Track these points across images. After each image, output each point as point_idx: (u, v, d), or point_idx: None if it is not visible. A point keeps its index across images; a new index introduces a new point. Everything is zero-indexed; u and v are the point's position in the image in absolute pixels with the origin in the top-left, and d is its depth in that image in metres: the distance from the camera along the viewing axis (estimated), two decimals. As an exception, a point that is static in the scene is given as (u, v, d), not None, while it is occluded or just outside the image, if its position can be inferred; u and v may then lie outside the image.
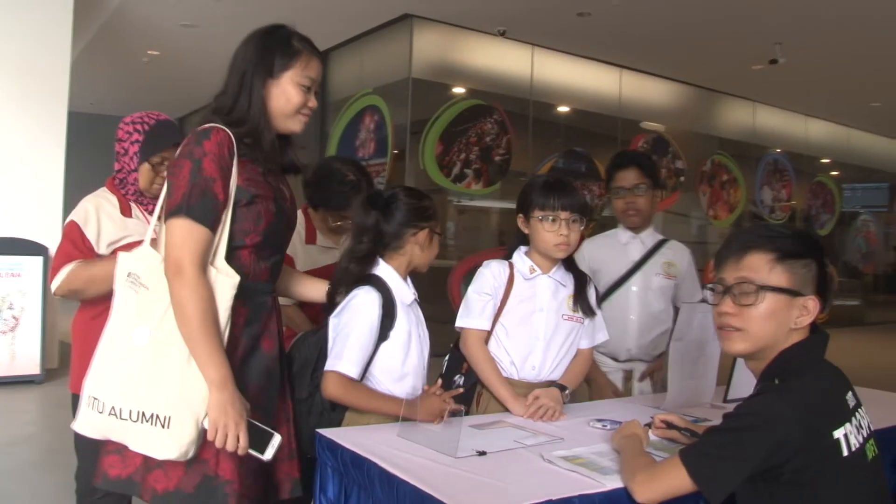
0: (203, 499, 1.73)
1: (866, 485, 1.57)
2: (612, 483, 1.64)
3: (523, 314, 2.42)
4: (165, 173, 2.40)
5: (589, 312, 2.45)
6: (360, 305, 2.09)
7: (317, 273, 2.86)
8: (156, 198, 2.43)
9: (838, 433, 1.53)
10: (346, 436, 1.90)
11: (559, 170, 9.29)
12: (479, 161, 8.58)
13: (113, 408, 1.69)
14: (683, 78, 10.13)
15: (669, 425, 2.01)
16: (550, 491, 1.55)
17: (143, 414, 1.67)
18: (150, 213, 2.41)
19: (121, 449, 1.77)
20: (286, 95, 1.91)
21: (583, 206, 2.39)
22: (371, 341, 2.09)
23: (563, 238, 2.34)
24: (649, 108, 10.27)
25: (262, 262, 1.90)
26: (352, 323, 2.07)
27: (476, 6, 7.69)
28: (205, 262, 1.73)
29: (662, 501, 1.59)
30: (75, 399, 2.43)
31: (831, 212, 12.53)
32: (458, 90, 8.62)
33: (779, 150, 11.73)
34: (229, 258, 1.79)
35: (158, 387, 1.68)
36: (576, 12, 7.61)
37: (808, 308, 1.62)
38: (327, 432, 1.93)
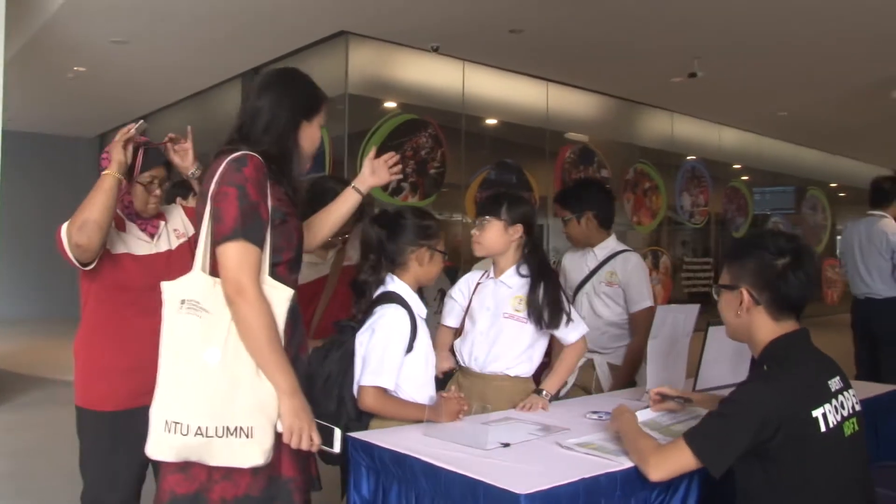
0: (270, 498, 1.90)
1: (842, 457, 1.84)
2: (628, 463, 1.88)
3: (473, 312, 2.75)
4: (157, 192, 2.54)
5: (536, 313, 2.64)
6: (392, 322, 2.30)
7: (306, 288, 3.03)
8: (152, 218, 2.59)
9: (817, 412, 1.81)
10: (379, 437, 2.08)
11: (491, 181, 9.57)
12: (414, 174, 8.76)
13: (199, 428, 1.79)
14: (607, 90, 10.56)
15: (664, 397, 2.31)
16: (579, 471, 1.78)
17: (228, 428, 1.80)
18: (143, 229, 2.55)
19: (184, 467, 1.88)
20: (312, 138, 2.13)
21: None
22: (402, 355, 2.29)
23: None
24: (575, 119, 10.66)
25: (293, 276, 2.07)
26: (386, 339, 2.29)
27: (411, 23, 7.88)
28: (259, 280, 1.87)
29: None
30: (79, 412, 2.54)
31: (745, 215, 13.22)
32: (394, 105, 8.80)
33: (694, 158, 12.32)
34: (269, 274, 1.93)
35: (237, 401, 1.81)
36: (508, 29, 7.88)
37: (743, 298, 1.94)
38: (361, 435, 2.11)
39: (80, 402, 2.54)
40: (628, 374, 3.33)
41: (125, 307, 2.48)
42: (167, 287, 1.91)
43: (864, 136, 13.34)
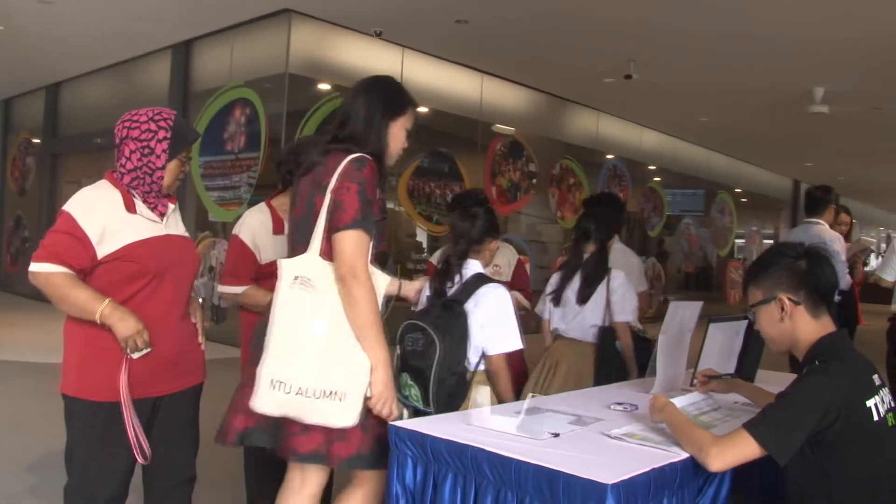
0: (377, 457, 2.17)
1: (889, 446, 1.95)
2: (684, 453, 1.93)
3: None
4: (187, 167, 2.50)
5: None
6: (507, 297, 2.69)
7: None
8: (168, 196, 2.49)
9: (870, 402, 1.92)
10: (428, 426, 2.05)
11: (424, 170, 9.58)
12: (349, 159, 8.67)
13: (300, 388, 2.07)
14: (540, 86, 10.73)
15: (709, 378, 2.54)
16: (646, 462, 1.82)
17: (325, 391, 2.08)
18: (153, 208, 2.43)
19: (306, 429, 2.12)
20: (398, 137, 2.34)
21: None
22: None
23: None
24: (506, 113, 10.77)
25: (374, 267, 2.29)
26: (507, 310, 2.65)
27: (356, 6, 7.79)
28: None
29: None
30: (70, 402, 2.38)
31: (660, 215, 13.68)
32: (333, 87, 8.66)
33: (614, 157, 12.65)
34: None
35: (336, 368, 2.09)
36: (454, 19, 7.88)
37: (784, 303, 2.05)
38: (408, 424, 2.08)
39: (72, 391, 2.37)
40: None
41: (134, 293, 2.36)
42: (286, 264, 2.18)
43: (773, 147, 14.02)
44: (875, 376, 2.00)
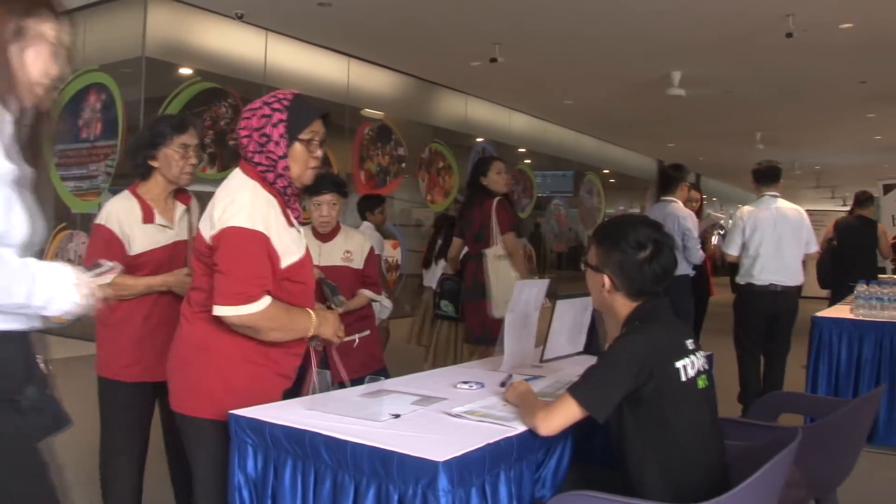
0: None
1: (696, 406, 2.06)
2: (521, 427, 1.98)
3: None
4: (318, 152, 2.17)
5: None
6: None
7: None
8: (298, 190, 2.20)
9: (679, 364, 2.02)
10: (268, 413, 2.02)
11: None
12: (213, 145, 8.44)
13: None
14: (407, 70, 10.73)
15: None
16: (481, 438, 1.85)
17: None
18: (296, 216, 2.20)
19: None
20: None
21: None
22: None
23: None
24: (374, 97, 10.72)
25: None
26: None
27: (215, -13, 7.56)
28: None
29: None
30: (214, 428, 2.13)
31: (530, 197, 13.98)
32: (194, 72, 8.38)
33: (483, 140, 12.81)
34: None
35: None
36: (317, 2, 7.77)
37: (605, 280, 2.14)
38: (246, 412, 2.03)
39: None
40: None
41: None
42: (488, 252, 4.17)
43: (637, 129, 14.55)
44: (688, 341, 2.10)
